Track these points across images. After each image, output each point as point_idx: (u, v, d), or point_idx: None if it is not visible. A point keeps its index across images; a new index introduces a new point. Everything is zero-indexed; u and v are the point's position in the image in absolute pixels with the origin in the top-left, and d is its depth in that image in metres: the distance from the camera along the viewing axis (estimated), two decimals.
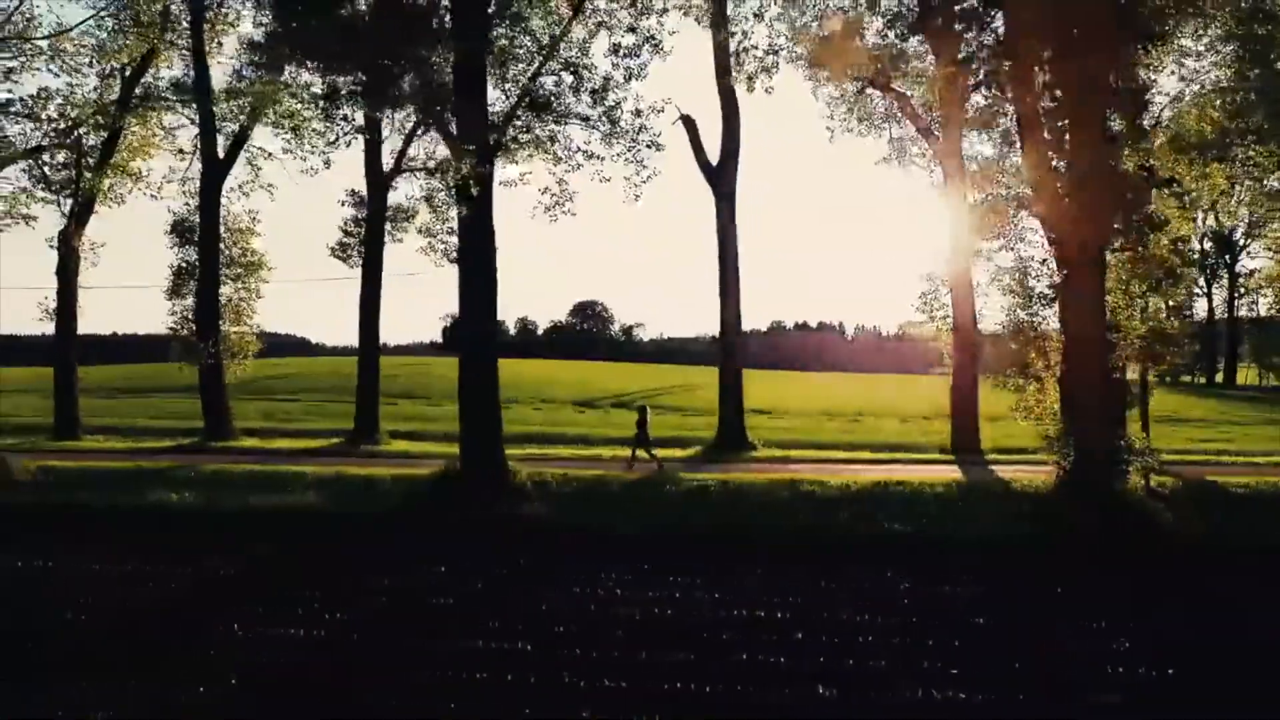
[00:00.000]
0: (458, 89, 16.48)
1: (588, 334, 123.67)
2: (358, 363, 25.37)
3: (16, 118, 27.02)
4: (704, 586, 11.99)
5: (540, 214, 17.10)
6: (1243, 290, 59.64)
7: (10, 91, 27.26)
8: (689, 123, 23.53)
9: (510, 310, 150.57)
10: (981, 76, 16.71)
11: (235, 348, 25.74)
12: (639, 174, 17.54)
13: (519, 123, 16.77)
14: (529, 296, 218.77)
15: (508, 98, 16.95)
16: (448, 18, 16.69)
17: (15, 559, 13.15)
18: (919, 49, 23.12)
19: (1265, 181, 21.36)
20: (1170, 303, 17.09)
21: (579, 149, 16.61)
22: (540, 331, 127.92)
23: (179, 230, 25.37)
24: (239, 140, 25.10)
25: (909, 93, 23.94)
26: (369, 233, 24.68)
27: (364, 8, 15.39)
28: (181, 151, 25.67)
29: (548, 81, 16.52)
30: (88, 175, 26.88)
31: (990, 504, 15.84)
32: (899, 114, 24.45)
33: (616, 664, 9.01)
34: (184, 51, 26.31)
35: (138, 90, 26.86)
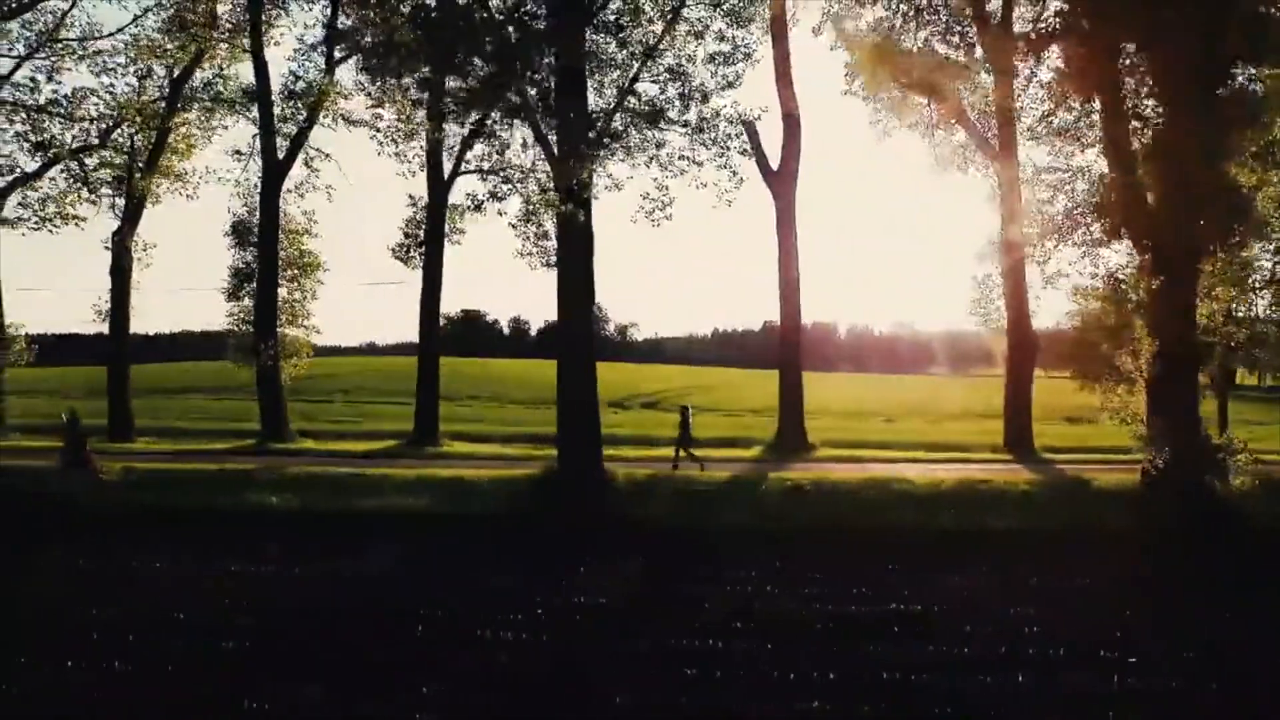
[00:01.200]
0: (559, 95, 16.73)
1: None
2: (417, 364, 25.49)
3: (59, 118, 27.01)
4: (844, 582, 12.35)
5: (641, 219, 17.34)
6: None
7: (55, 92, 26.69)
8: (750, 128, 23.86)
9: (503, 310, 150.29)
10: (1062, 88, 17.12)
11: (291, 349, 25.74)
12: (730, 179, 17.82)
13: (618, 128, 17.02)
14: (520, 297, 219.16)
15: (607, 103, 17.18)
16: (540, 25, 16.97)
17: (152, 561, 13.22)
18: (977, 59, 23.76)
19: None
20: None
21: (682, 155, 16.88)
22: (534, 332, 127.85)
23: (238, 231, 25.33)
24: (298, 141, 25.11)
25: (963, 98, 24.48)
26: (429, 234, 24.83)
27: (475, 16, 15.58)
28: (238, 153, 25.63)
29: (649, 88, 16.80)
30: (137, 176, 26.84)
31: (1084, 500, 16.42)
32: (952, 121, 24.97)
33: (816, 657, 9.34)
34: (243, 51, 26.29)
35: (185, 90, 26.88)
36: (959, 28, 24.09)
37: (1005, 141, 23.53)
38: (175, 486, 17.89)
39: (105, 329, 27.36)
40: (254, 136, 25.38)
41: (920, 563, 13.50)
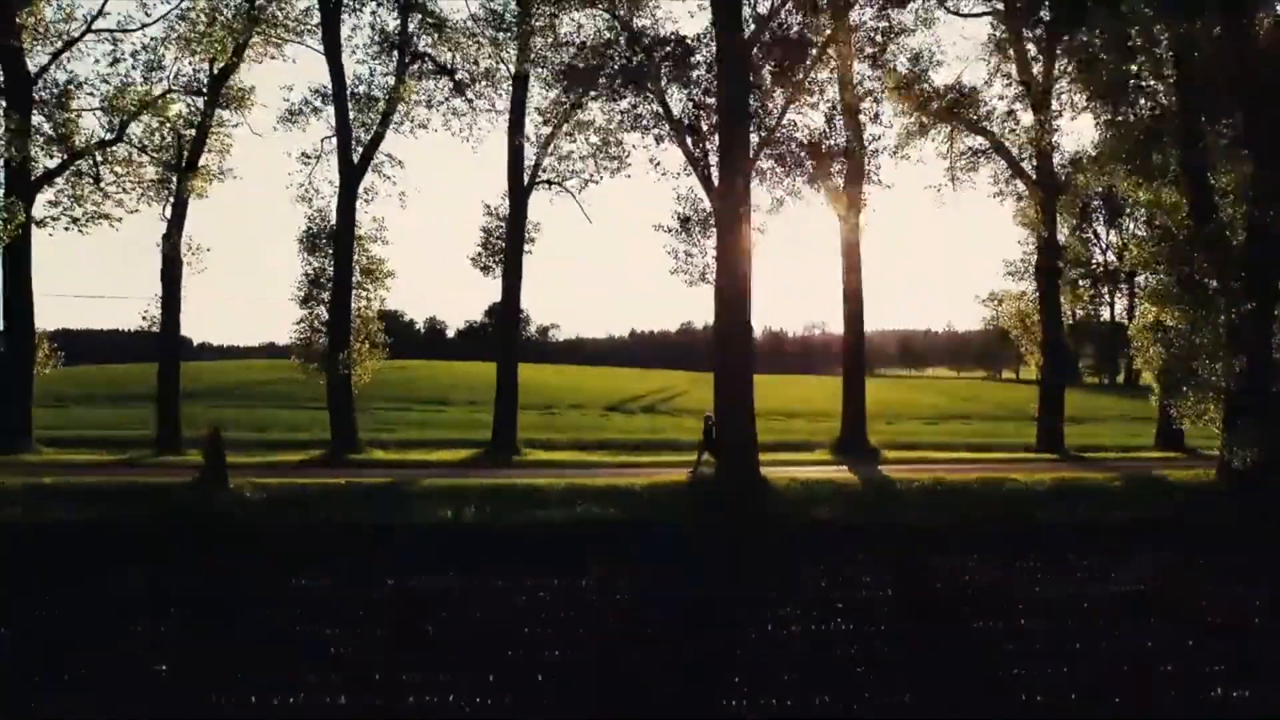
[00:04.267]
0: (724, 123, 17.70)
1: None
2: (496, 370, 25.59)
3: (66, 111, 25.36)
4: (1055, 569, 13.95)
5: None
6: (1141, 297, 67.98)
7: (83, 86, 25.23)
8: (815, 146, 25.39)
9: (420, 310, 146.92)
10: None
11: (358, 357, 25.28)
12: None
13: (765, 162, 18.16)
14: (437, 297, 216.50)
15: (762, 127, 18.26)
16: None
17: (403, 578, 13.20)
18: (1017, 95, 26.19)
19: None
20: None
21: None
22: (451, 333, 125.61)
23: (309, 239, 24.69)
24: (372, 145, 24.68)
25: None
26: (509, 243, 25.01)
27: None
28: (306, 156, 24.89)
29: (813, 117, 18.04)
30: (175, 175, 25.65)
31: (1180, 494, 18.88)
32: (988, 148, 27.33)
33: (1132, 631, 10.87)
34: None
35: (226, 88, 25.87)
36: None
37: (1044, 170, 26.08)
38: (324, 502, 17.51)
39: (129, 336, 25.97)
40: (322, 140, 24.85)
41: (1090, 551, 15.24)
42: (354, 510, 17.04)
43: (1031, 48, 25.94)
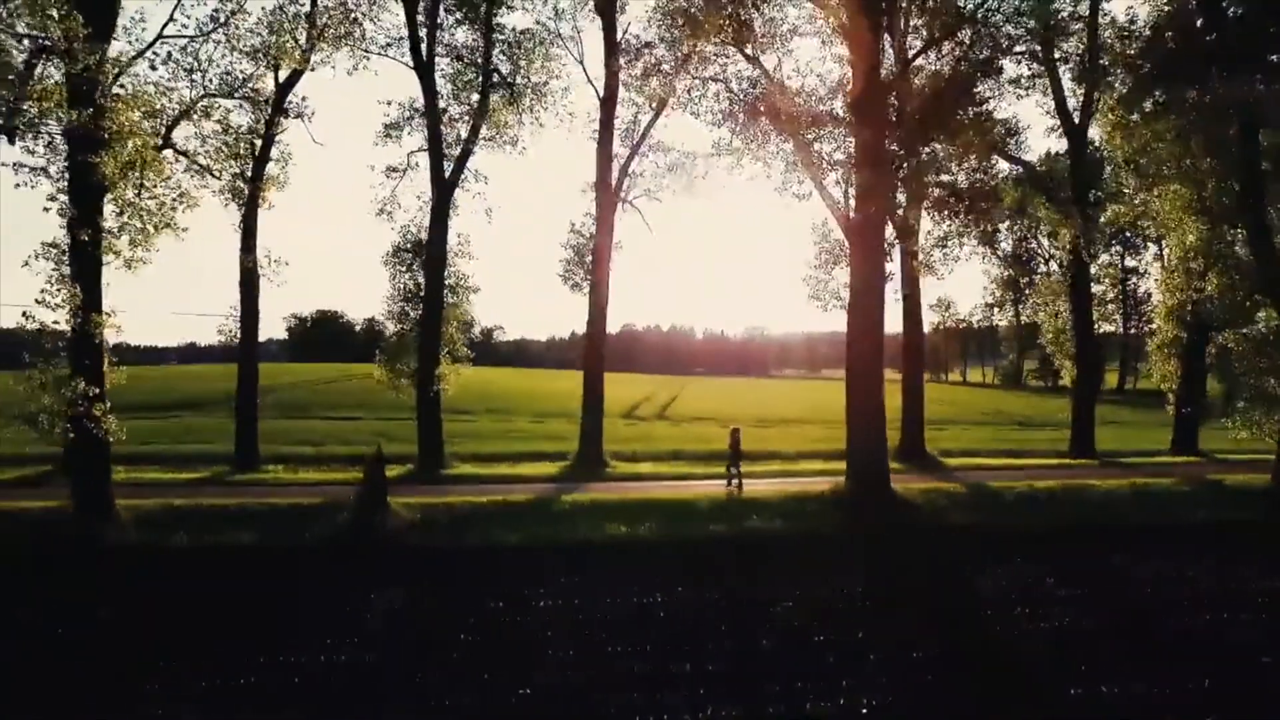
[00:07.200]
0: (862, 163, 18.89)
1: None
2: (583, 382, 25.95)
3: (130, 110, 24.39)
4: (1181, 568, 15.67)
5: None
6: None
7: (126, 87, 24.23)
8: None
9: (357, 311, 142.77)
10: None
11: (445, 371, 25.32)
12: None
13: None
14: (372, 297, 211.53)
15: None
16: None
17: (602, 597, 13.77)
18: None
19: None
20: None
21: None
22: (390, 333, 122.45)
23: (398, 254, 24.57)
24: (461, 160, 24.70)
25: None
26: (596, 257, 25.49)
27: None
28: (392, 169, 24.69)
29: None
30: (240, 184, 25.04)
31: (1249, 495, 21.10)
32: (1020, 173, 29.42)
33: None
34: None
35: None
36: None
37: (1081, 196, 28.29)
38: (481, 523, 17.68)
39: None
40: (409, 155, 24.73)
41: (1210, 550, 17.08)
42: (516, 530, 17.28)
43: (1068, 82, 28.13)
